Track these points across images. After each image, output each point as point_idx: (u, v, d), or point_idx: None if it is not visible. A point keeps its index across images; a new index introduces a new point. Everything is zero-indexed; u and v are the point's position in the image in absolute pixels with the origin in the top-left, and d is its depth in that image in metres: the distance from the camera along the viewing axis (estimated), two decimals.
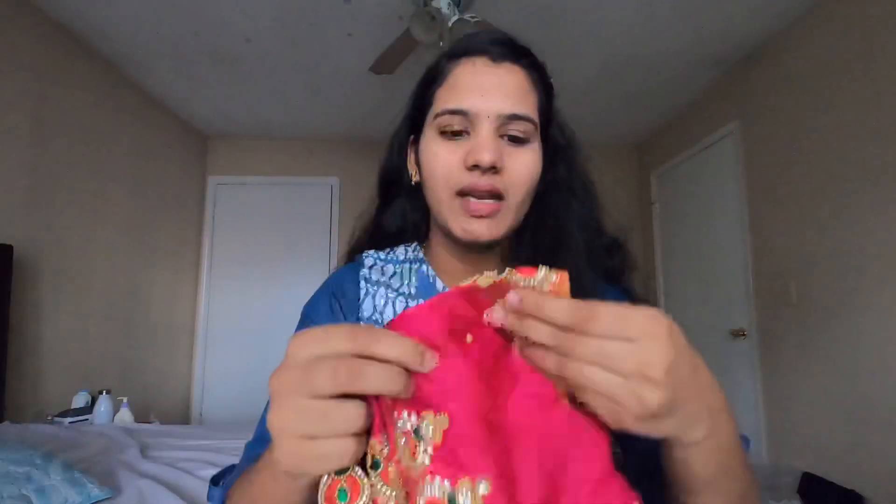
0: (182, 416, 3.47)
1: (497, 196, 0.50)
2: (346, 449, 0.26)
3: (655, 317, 0.29)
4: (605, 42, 2.57)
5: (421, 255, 0.59)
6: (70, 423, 2.07)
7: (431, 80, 0.55)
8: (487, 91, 0.50)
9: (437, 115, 0.52)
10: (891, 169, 1.90)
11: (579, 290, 0.49)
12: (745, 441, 0.44)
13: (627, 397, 0.27)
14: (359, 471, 0.27)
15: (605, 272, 0.57)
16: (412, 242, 0.61)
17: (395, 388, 0.26)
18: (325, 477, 0.27)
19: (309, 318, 0.56)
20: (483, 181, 0.49)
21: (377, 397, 0.28)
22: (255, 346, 3.64)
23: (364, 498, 0.26)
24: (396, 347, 0.27)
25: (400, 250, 0.60)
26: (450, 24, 2.01)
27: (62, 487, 1.20)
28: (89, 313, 2.56)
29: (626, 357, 0.27)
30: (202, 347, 3.65)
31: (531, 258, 0.54)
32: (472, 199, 0.49)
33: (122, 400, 2.32)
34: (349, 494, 0.26)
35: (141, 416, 2.46)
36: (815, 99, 2.26)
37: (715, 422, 0.32)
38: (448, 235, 0.54)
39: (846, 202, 2.09)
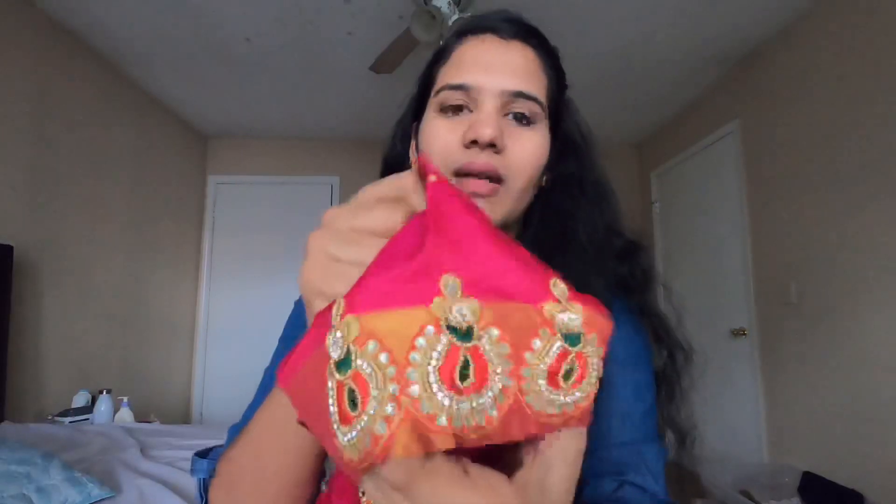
0: (182, 415, 3.47)
1: (496, 179, 0.45)
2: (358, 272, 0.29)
3: None
4: (605, 41, 2.57)
5: None
6: (70, 422, 2.07)
7: (437, 60, 0.51)
8: (492, 67, 0.46)
9: (437, 92, 0.48)
10: (891, 169, 1.89)
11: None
12: None
13: None
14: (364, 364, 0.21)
15: (619, 281, 0.52)
16: None
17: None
18: (330, 381, 0.21)
19: (299, 306, 0.56)
20: (481, 159, 0.44)
21: None
22: (256, 345, 3.62)
23: (374, 402, 0.20)
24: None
25: None
26: (450, 23, 2.01)
27: (62, 487, 1.20)
28: (89, 313, 2.56)
29: None
30: (202, 346, 3.65)
31: None
32: (471, 179, 0.45)
33: (122, 399, 2.32)
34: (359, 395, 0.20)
35: (141, 416, 2.46)
36: (815, 99, 2.26)
37: None
38: None
39: (846, 202, 2.09)
